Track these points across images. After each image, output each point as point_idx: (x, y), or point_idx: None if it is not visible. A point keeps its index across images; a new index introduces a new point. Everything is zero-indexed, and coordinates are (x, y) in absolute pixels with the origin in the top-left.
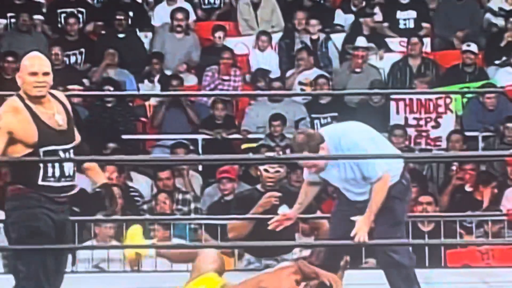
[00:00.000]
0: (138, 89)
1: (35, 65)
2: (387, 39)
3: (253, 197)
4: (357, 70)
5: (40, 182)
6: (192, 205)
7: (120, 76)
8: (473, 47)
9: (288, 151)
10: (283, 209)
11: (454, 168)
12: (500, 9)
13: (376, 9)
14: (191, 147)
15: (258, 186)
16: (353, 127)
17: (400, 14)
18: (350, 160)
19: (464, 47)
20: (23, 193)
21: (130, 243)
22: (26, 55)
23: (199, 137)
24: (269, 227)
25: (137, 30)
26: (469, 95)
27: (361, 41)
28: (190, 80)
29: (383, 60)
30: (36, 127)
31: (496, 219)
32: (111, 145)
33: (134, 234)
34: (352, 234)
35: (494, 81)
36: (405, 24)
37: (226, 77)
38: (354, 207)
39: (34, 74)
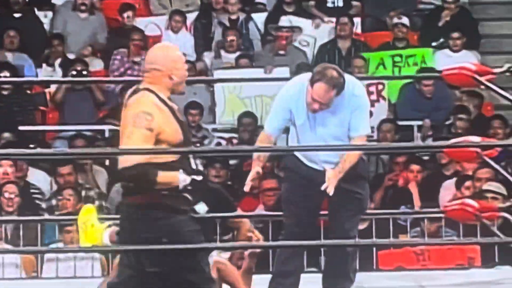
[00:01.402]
0: (37, 75)
1: (182, 57)
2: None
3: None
4: (281, 52)
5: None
6: (97, 203)
7: (18, 61)
8: (405, 20)
9: (206, 142)
10: (200, 207)
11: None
12: None
13: None
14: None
15: None
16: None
17: None
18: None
19: (395, 20)
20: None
21: (83, 223)
22: (160, 45)
23: (106, 127)
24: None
25: (36, 9)
26: (405, 81)
27: (284, 21)
28: (96, 64)
29: (319, 28)
30: (179, 126)
31: (433, 216)
32: (6, 135)
33: (87, 213)
34: (323, 187)
35: (431, 65)
36: (333, 3)
37: (136, 60)
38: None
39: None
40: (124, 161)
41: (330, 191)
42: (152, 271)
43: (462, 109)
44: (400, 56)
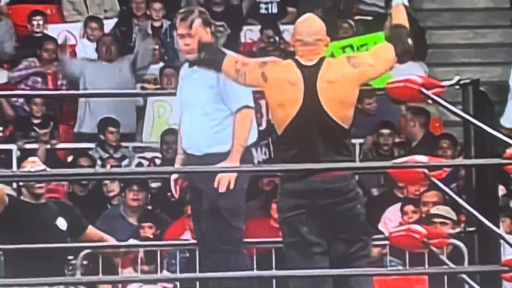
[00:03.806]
0: None
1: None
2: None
3: None
4: None
5: None
6: None
7: None
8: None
9: (125, 162)
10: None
11: None
12: None
13: None
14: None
15: None
16: None
17: None
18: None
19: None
20: None
21: None
22: (311, 16)
23: (14, 146)
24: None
25: None
26: None
27: None
28: (2, 76)
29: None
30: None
31: (377, 243)
32: None
33: None
34: (216, 184)
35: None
36: (267, 9)
37: (48, 72)
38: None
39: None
40: None
41: (222, 188)
42: None
43: (386, 124)
44: (351, 46)
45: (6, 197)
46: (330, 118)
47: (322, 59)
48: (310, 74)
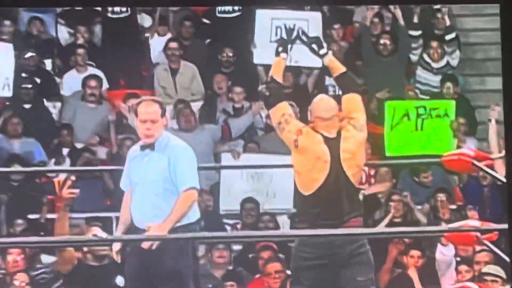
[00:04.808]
0: (46, 162)
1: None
2: None
3: None
4: None
5: None
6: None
7: (26, 147)
8: None
9: None
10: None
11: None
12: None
13: None
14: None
15: None
16: None
17: (329, 80)
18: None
19: None
20: None
21: None
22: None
23: (113, 214)
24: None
25: (45, 100)
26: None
27: None
28: (102, 153)
29: None
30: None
31: None
32: (19, 221)
33: None
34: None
35: (453, 116)
36: (334, 91)
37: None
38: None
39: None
40: None
41: (154, 247)
42: None
43: (441, 190)
44: (424, 108)
45: (75, 259)
46: (350, 181)
47: (339, 132)
48: (333, 146)
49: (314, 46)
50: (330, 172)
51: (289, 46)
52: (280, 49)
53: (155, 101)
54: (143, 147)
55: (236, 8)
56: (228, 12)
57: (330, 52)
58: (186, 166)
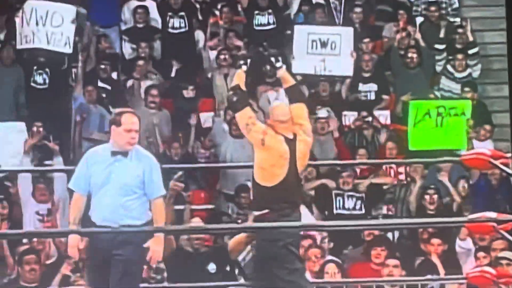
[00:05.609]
0: None
1: None
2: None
3: None
4: None
5: None
6: None
7: None
8: None
9: None
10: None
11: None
12: None
13: None
14: None
15: None
16: None
17: (361, 87)
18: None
19: None
20: None
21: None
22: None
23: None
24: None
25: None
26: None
27: None
28: None
29: None
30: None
31: (457, 282)
32: None
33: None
34: (148, 258)
35: (468, 115)
36: (365, 96)
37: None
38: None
39: None
40: None
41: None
42: None
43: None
44: (444, 107)
45: (174, 243)
46: (299, 177)
47: (295, 135)
48: (292, 146)
49: (272, 59)
50: (289, 168)
51: (323, 58)
52: (242, 62)
53: (134, 114)
54: (114, 153)
55: (271, 21)
56: (264, 24)
57: (284, 66)
58: (159, 176)
